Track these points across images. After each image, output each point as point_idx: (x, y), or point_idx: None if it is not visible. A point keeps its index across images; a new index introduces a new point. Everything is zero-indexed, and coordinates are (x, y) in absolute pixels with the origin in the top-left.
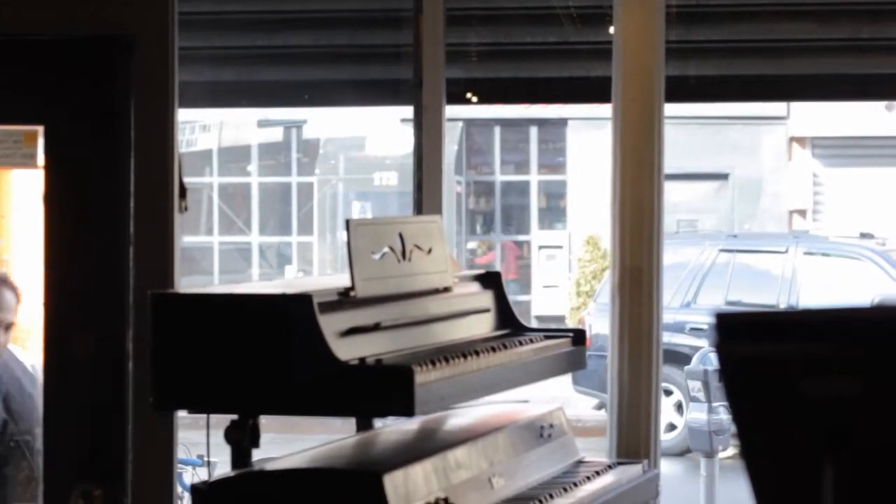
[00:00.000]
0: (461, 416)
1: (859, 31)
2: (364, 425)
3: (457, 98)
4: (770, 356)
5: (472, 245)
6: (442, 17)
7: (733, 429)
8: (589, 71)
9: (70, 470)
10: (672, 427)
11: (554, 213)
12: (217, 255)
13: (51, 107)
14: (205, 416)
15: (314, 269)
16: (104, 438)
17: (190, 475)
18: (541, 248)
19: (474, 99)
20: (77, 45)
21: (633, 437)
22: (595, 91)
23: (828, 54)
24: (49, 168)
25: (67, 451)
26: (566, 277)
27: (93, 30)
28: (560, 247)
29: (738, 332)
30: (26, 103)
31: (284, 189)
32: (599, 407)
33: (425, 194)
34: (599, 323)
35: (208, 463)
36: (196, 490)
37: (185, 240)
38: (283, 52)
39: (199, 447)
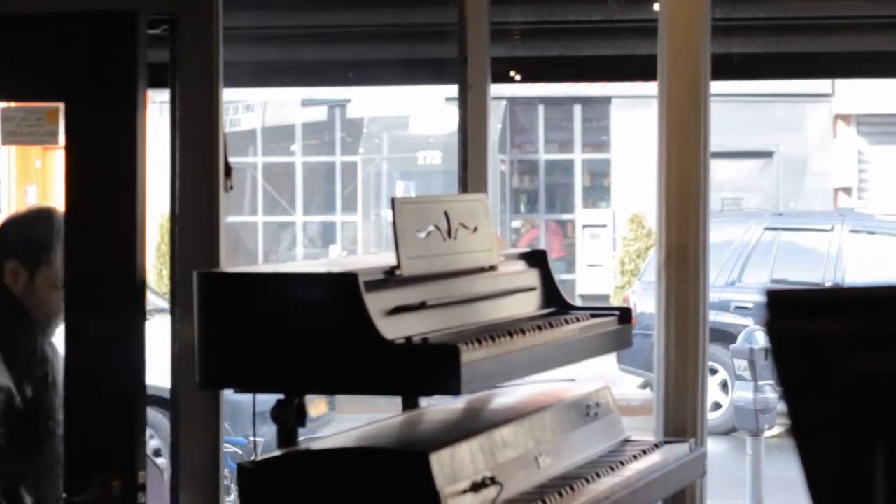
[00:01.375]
0: (507, 395)
1: None
2: (410, 405)
3: (501, 77)
4: (821, 333)
5: (516, 224)
6: None
7: (779, 407)
8: (634, 49)
9: (90, 458)
10: (717, 406)
11: (598, 191)
12: (261, 235)
13: (73, 83)
14: (255, 396)
15: (358, 248)
16: (126, 428)
17: (236, 455)
18: (585, 226)
19: (518, 77)
20: (112, 21)
21: (680, 416)
22: (640, 69)
23: (874, 31)
24: (70, 147)
25: (88, 439)
26: (610, 256)
27: (133, 5)
28: (604, 225)
29: (789, 309)
30: (48, 80)
31: (328, 168)
32: (644, 386)
33: (470, 172)
34: (644, 301)
35: (255, 443)
36: (242, 469)
37: (230, 219)
38: (328, 32)
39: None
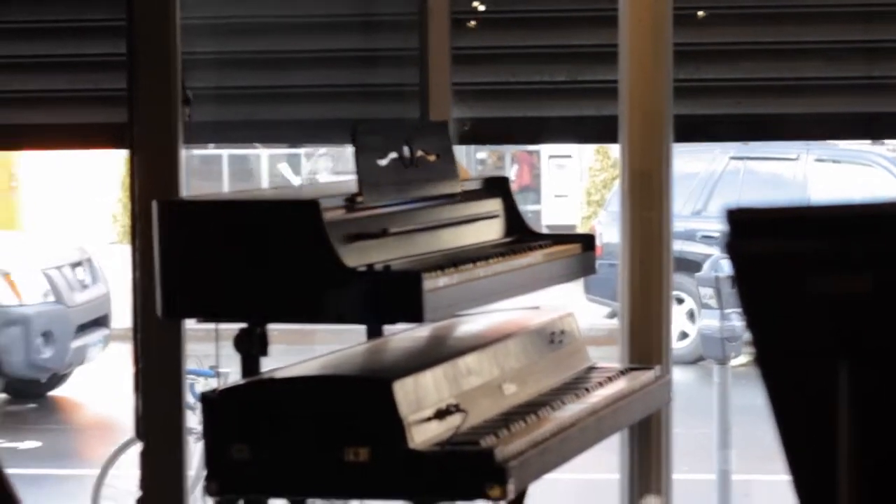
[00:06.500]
0: (471, 323)
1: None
2: (374, 334)
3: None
4: (783, 253)
5: (481, 155)
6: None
7: (746, 336)
8: (599, 110)
9: None
10: (684, 335)
11: None
12: (226, 167)
13: None
14: (217, 327)
15: (324, 180)
16: None
17: (203, 386)
18: (551, 157)
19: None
20: None
21: (645, 344)
22: (604, 130)
23: (835, 93)
24: None
25: None
26: (577, 187)
27: None
28: (569, 156)
29: (751, 228)
30: None
31: None
32: (612, 315)
33: (432, 100)
34: (610, 231)
35: (218, 373)
36: (206, 399)
37: (194, 152)
38: (286, 92)
39: (213, 359)
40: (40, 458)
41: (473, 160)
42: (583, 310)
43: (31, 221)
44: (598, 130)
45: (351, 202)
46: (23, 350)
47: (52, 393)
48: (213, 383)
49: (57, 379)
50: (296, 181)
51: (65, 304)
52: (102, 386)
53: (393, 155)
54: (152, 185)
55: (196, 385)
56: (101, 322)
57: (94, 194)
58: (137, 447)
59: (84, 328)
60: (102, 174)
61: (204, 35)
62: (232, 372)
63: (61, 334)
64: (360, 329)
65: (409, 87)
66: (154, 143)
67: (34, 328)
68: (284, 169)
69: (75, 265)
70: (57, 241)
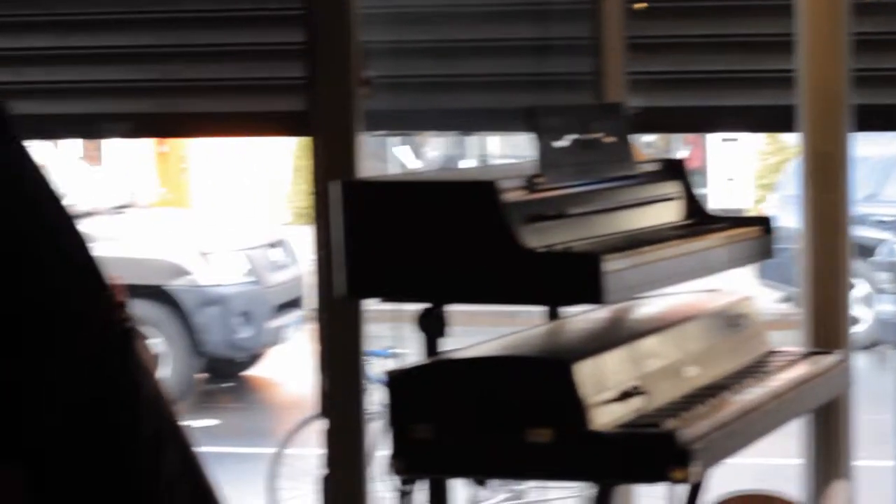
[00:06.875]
0: (649, 306)
1: None
2: (552, 316)
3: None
4: None
5: (649, 138)
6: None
7: None
8: (776, 100)
9: None
10: (856, 320)
11: None
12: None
13: None
14: (388, 309)
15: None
16: None
17: (379, 367)
18: (724, 140)
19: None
20: None
21: (825, 328)
22: (778, 120)
23: None
24: None
25: None
26: (744, 170)
27: None
28: (736, 139)
29: None
30: None
31: None
32: (786, 299)
33: (608, 82)
34: (782, 215)
35: (395, 354)
36: (392, 377)
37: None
38: (459, 80)
39: (381, 341)
40: (219, 437)
41: (641, 143)
42: (756, 293)
43: (200, 203)
44: (771, 119)
45: (530, 183)
46: (221, 330)
47: (247, 372)
48: (389, 364)
49: (253, 359)
50: (415, 164)
51: (262, 284)
52: (296, 366)
53: (571, 137)
54: (333, 170)
55: (371, 366)
56: (296, 303)
57: (260, 176)
58: (315, 426)
59: (281, 309)
60: (269, 157)
61: (380, 24)
62: (409, 353)
63: (259, 314)
64: (530, 311)
65: (583, 76)
66: (334, 130)
67: (233, 308)
68: (402, 153)
69: (272, 246)
70: (252, 221)
